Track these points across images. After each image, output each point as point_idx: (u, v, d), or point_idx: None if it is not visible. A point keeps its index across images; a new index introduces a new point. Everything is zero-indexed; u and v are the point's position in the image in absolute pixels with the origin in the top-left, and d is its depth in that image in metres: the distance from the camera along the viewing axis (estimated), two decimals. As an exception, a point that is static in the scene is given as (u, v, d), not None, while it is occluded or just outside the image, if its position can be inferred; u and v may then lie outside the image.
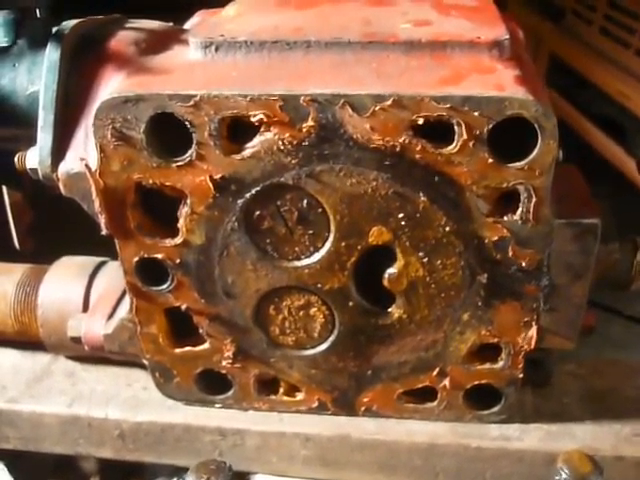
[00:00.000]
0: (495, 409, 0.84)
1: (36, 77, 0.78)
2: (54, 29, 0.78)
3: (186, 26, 0.89)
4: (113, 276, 0.91)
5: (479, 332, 0.78)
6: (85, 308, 0.90)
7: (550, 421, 0.86)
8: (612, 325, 1.01)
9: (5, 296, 0.94)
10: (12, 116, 0.80)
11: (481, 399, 0.84)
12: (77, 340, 0.87)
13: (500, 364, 0.80)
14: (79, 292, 0.91)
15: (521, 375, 0.80)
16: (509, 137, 0.67)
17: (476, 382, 0.81)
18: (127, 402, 0.91)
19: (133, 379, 0.94)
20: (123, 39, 0.78)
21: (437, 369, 0.81)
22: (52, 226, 1.12)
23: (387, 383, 0.83)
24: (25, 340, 0.96)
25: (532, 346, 0.78)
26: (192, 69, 0.73)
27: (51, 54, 0.75)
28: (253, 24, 0.79)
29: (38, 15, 0.80)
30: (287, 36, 0.74)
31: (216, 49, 0.74)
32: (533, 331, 0.77)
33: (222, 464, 0.63)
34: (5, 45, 0.80)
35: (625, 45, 2.89)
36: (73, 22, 0.78)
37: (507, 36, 0.72)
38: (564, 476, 0.64)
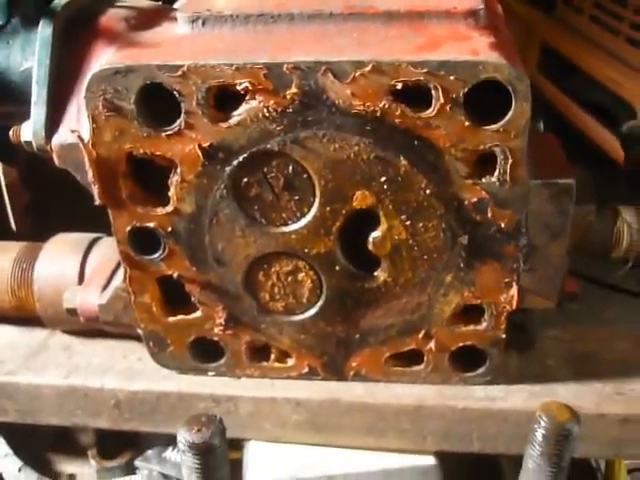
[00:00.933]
0: (480, 371, 0.86)
1: (29, 54, 0.80)
2: (46, 7, 0.80)
3: (175, 5, 0.91)
4: (107, 251, 0.93)
5: (462, 293, 0.80)
6: (80, 282, 0.93)
7: (534, 382, 0.88)
8: (594, 294, 1.04)
9: (2, 273, 0.96)
10: (7, 93, 0.83)
11: (466, 362, 0.87)
12: (73, 312, 0.90)
13: (483, 325, 0.82)
14: (74, 266, 0.94)
15: (504, 336, 0.83)
16: (486, 102, 0.70)
17: (461, 344, 0.84)
18: (123, 372, 0.93)
19: (128, 351, 0.96)
20: (113, 16, 0.81)
21: (423, 332, 0.83)
22: (47, 207, 1.15)
23: (374, 347, 0.86)
24: (22, 315, 0.98)
25: (514, 306, 0.80)
26: (180, 42, 0.76)
27: (43, 31, 0.78)
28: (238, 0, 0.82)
29: (30, -6, 0.82)
30: (271, 9, 0.77)
31: (203, 23, 0.77)
32: (514, 291, 0.79)
33: (212, 417, 0.65)
34: (0, 24, 0.82)
35: (615, 33, 2.92)
36: (64, 0, 0.80)
37: (482, 6, 0.75)
38: (543, 424, 0.66)
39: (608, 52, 3.12)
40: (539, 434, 0.67)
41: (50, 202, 1.13)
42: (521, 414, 0.85)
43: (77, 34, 0.80)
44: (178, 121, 0.73)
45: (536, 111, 0.76)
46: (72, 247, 0.96)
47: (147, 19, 0.83)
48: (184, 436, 0.65)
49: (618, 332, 0.97)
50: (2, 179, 1.07)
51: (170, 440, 0.97)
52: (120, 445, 1.03)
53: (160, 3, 0.90)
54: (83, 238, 0.97)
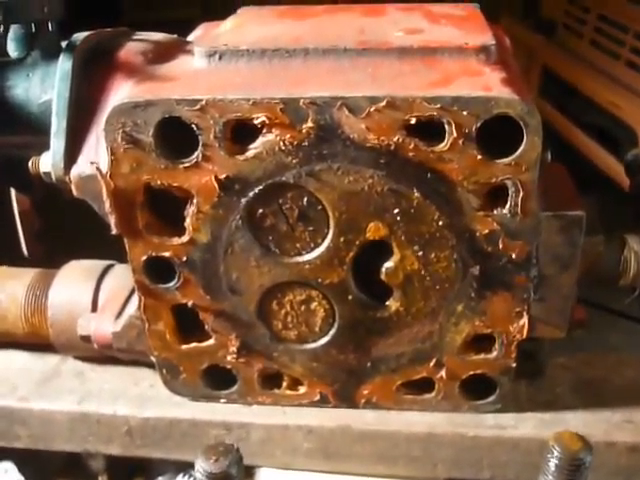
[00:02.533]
0: (490, 399, 0.87)
1: (48, 86, 0.82)
2: (66, 41, 0.82)
3: (190, 38, 0.93)
4: (121, 278, 0.94)
5: (473, 323, 0.81)
6: (94, 309, 0.94)
7: (544, 410, 0.89)
8: (603, 321, 1.05)
9: (16, 299, 0.97)
10: (25, 124, 0.84)
11: (477, 390, 0.87)
12: (87, 339, 0.90)
13: (494, 354, 0.83)
14: (88, 294, 0.95)
15: (514, 364, 0.84)
16: (498, 135, 0.72)
17: (471, 372, 0.85)
18: (135, 399, 0.94)
19: (140, 377, 0.97)
20: (131, 50, 0.83)
21: (434, 360, 0.84)
22: (59, 233, 1.16)
23: (386, 375, 0.86)
24: (35, 341, 0.99)
25: (524, 335, 0.81)
26: (197, 76, 0.78)
27: (63, 64, 0.79)
28: (254, 34, 0.84)
29: (50, 28, 0.84)
30: (287, 44, 0.79)
31: (220, 57, 0.79)
32: (524, 320, 0.80)
33: (230, 446, 0.66)
34: (20, 56, 0.84)
35: (615, 56, 2.96)
36: (84, 34, 0.82)
37: (493, 42, 0.77)
38: (556, 454, 0.67)
39: (609, 76, 3.16)
40: (552, 464, 0.68)
41: (61, 228, 1.14)
42: (531, 442, 0.86)
43: (96, 67, 0.82)
44: (195, 153, 0.74)
45: (545, 141, 0.78)
46: (85, 274, 0.97)
47: (164, 52, 0.85)
48: (202, 466, 0.66)
49: (625, 359, 0.98)
50: (15, 206, 1.09)
51: (181, 467, 0.97)
52: (130, 472, 1.03)
53: (175, 36, 0.91)
54: (96, 265, 0.98)
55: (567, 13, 3.34)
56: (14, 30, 0.86)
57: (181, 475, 0.99)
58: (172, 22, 0.96)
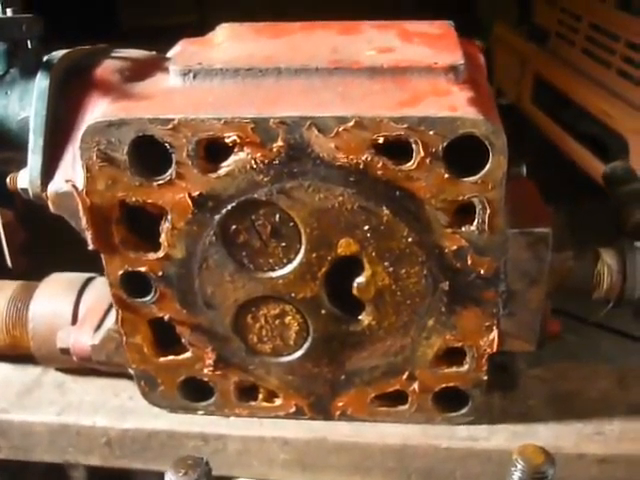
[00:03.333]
0: (463, 411, 0.88)
1: (27, 104, 0.83)
2: (44, 58, 0.83)
3: (169, 54, 0.94)
4: (100, 291, 0.95)
5: (444, 337, 0.83)
6: (74, 321, 0.95)
7: (516, 422, 0.90)
8: (579, 332, 1.06)
9: (-3, 311, 0.98)
10: (4, 140, 0.85)
11: (450, 402, 0.89)
12: (66, 351, 0.92)
13: (465, 367, 0.85)
14: (68, 306, 0.96)
15: (486, 377, 0.85)
16: (467, 153, 0.73)
17: (444, 385, 0.86)
18: (114, 411, 0.95)
19: (120, 389, 0.98)
20: (108, 67, 0.84)
21: (406, 373, 0.86)
22: (43, 245, 1.17)
23: (360, 388, 0.88)
24: (16, 353, 1.00)
25: (494, 349, 0.83)
26: (171, 95, 0.79)
27: (41, 82, 0.81)
28: (229, 52, 0.85)
29: (29, 46, 0.86)
30: (260, 64, 0.80)
31: (194, 76, 0.80)
32: (494, 335, 0.82)
33: (199, 459, 0.67)
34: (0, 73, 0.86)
35: (607, 65, 2.98)
36: (62, 52, 0.84)
37: (462, 61, 0.78)
38: (519, 467, 0.68)
39: (600, 84, 3.17)
40: (516, 477, 0.69)
41: (45, 241, 1.15)
42: (503, 454, 0.87)
43: (73, 85, 0.83)
44: (169, 171, 0.76)
45: (526, 149, 0.79)
46: (66, 287, 0.98)
47: (141, 70, 0.86)
48: (171, 478, 0.67)
49: (600, 370, 1.00)
50: (-1, 218, 1.10)
51: (160, 477, 0.98)
52: (111, 481, 1.04)
53: (154, 53, 0.93)
54: (77, 278, 1.00)
55: (560, 22, 3.36)
56: (-5, 47, 0.88)
57: (160, 486, 1.00)
58: (169, 29, 0.97)
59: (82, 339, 0.91)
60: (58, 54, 0.83)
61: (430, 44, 0.85)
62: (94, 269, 0.99)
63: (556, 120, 3.24)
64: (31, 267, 1.11)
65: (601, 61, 3.00)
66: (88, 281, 0.99)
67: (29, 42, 0.86)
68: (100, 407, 0.95)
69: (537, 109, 3.42)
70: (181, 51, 0.90)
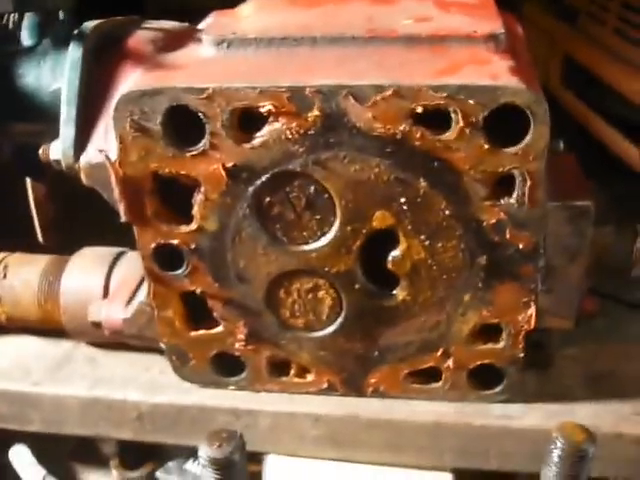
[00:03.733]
0: (498, 389, 0.87)
1: (59, 75, 0.83)
2: (76, 29, 0.82)
3: (200, 26, 0.93)
4: (132, 265, 0.95)
5: (480, 313, 0.81)
6: (105, 295, 0.95)
7: (552, 401, 0.88)
8: (614, 312, 1.04)
9: (29, 285, 0.99)
10: (37, 112, 0.85)
11: (484, 379, 0.87)
12: (97, 325, 0.92)
13: (501, 344, 0.83)
14: (99, 280, 0.96)
15: (522, 355, 0.84)
16: (506, 124, 0.71)
17: (479, 362, 0.85)
18: (145, 385, 0.95)
19: (151, 364, 0.97)
20: (140, 38, 0.83)
21: (441, 350, 0.84)
22: (74, 220, 1.17)
23: (393, 364, 0.87)
24: (48, 327, 1.00)
25: (531, 326, 0.81)
26: (205, 64, 0.78)
27: (73, 53, 0.80)
28: (263, 22, 0.84)
29: (61, 17, 0.85)
30: (294, 32, 0.79)
31: (228, 46, 0.79)
32: (532, 311, 0.80)
33: (233, 432, 0.67)
34: (31, 45, 0.85)
35: (638, 45, 2.91)
36: (94, 23, 0.83)
37: (502, 30, 0.76)
38: (559, 444, 0.67)
39: (632, 64, 3.11)
40: (555, 455, 0.68)
41: (76, 215, 1.15)
42: (538, 433, 0.85)
43: (106, 55, 0.83)
44: (203, 142, 0.75)
45: (556, 130, 0.77)
46: (97, 261, 0.98)
47: (173, 40, 0.85)
48: (205, 451, 0.66)
49: (635, 351, 0.97)
50: (30, 193, 1.10)
51: (191, 452, 0.99)
52: (142, 456, 1.04)
53: (186, 24, 0.92)
54: (108, 252, 0.99)
55: (590, 0, 3.30)
56: (28, 18, 0.87)
57: (191, 460, 1.01)
58: (196, 10, 0.97)
59: (114, 313, 0.91)
60: (90, 25, 0.83)
61: (468, 13, 0.83)
62: (126, 243, 0.99)
63: (586, 101, 3.18)
64: (62, 241, 1.11)
65: (633, 41, 2.94)
66: (119, 255, 0.98)
67: (61, 13, 0.86)
68: (131, 381, 0.95)
69: (566, 90, 3.36)
70: (213, 22, 0.89)
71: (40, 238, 1.10)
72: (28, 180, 1.06)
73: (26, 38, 0.86)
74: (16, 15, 0.85)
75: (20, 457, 1.01)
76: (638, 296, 0.96)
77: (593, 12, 3.51)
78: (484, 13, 0.83)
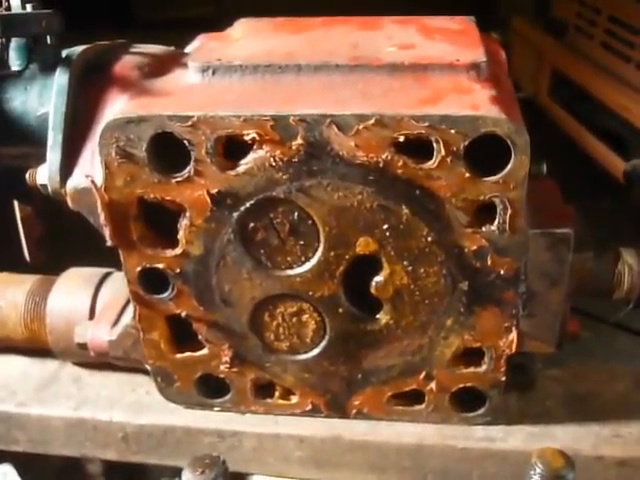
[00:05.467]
0: (480, 411, 0.88)
1: (46, 99, 0.83)
2: (63, 54, 0.83)
3: (187, 49, 0.94)
4: (118, 286, 0.95)
5: (462, 337, 0.82)
6: (91, 316, 0.95)
7: (533, 423, 0.89)
8: (598, 332, 1.05)
9: (16, 305, 0.99)
10: (23, 136, 0.86)
11: (467, 402, 0.88)
12: (83, 346, 0.92)
13: (483, 367, 0.84)
14: (86, 301, 0.96)
15: (504, 378, 0.85)
16: (487, 152, 0.72)
17: (461, 385, 0.86)
18: (131, 406, 0.95)
19: (137, 384, 0.98)
20: (127, 63, 0.84)
21: (424, 373, 0.85)
22: (61, 240, 1.17)
23: (377, 386, 0.87)
24: (34, 347, 1.00)
25: (513, 350, 0.82)
26: (191, 91, 0.79)
27: (60, 78, 0.81)
28: (249, 48, 0.85)
29: (49, 41, 0.86)
30: (280, 60, 0.80)
31: (213, 72, 0.80)
32: (513, 335, 0.81)
33: (216, 458, 0.67)
34: (18, 69, 0.86)
35: (626, 59, 2.94)
36: (81, 48, 0.83)
37: (484, 59, 0.77)
38: (538, 470, 0.68)
39: (619, 79, 3.14)
40: (535, 480, 0.69)
41: (64, 234, 1.15)
42: (520, 455, 0.86)
43: (92, 81, 0.83)
44: (188, 168, 0.75)
45: (539, 154, 0.78)
46: (84, 282, 0.98)
47: (160, 66, 0.86)
48: (188, 477, 0.67)
49: (619, 372, 0.99)
50: (18, 212, 1.10)
51: (176, 473, 0.98)
52: (127, 476, 1.05)
53: (173, 48, 0.93)
54: (95, 273, 1.00)
55: (578, 15, 3.32)
56: (15, 42, 0.88)
57: (176, 480, 1.00)
58: (186, 21, 0.97)
59: (99, 334, 0.91)
60: (77, 50, 0.83)
61: (451, 40, 0.84)
62: (112, 264, 0.99)
63: (574, 115, 3.20)
64: (49, 261, 1.11)
65: (620, 55, 2.96)
66: (106, 276, 0.99)
67: (48, 38, 0.86)
68: (117, 402, 0.96)
69: (554, 103, 3.38)
70: (200, 47, 0.90)
71: (27, 257, 1.10)
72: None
73: (13, 62, 0.86)
74: (3, 39, 0.85)
75: (6, 477, 1.01)
76: (622, 317, 0.97)
77: (581, 26, 3.54)
78: (467, 40, 0.85)
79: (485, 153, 0.72)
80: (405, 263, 0.78)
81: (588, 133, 3.05)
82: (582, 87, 3.10)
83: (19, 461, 1.03)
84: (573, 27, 3.35)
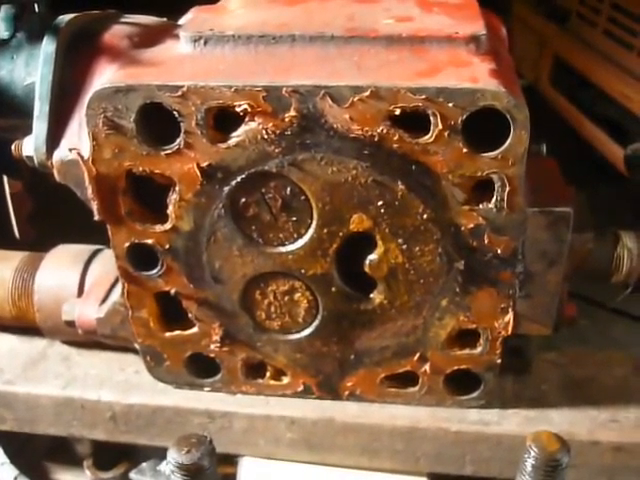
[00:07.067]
0: (475, 394, 0.86)
1: (33, 69, 0.81)
2: (51, 23, 0.81)
3: (180, 21, 0.92)
4: (107, 263, 0.94)
5: (457, 318, 0.80)
6: (80, 294, 0.93)
7: (528, 407, 0.88)
8: (595, 317, 1.03)
9: (3, 282, 0.97)
10: (10, 107, 0.83)
11: (461, 385, 0.86)
12: (71, 324, 0.90)
13: (479, 349, 0.82)
14: (74, 278, 0.94)
15: (499, 360, 0.83)
16: (485, 128, 0.70)
17: (456, 367, 0.84)
18: (119, 385, 0.93)
19: (126, 363, 0.96)
20: (117, 33, 0.81)
21: (418, 354, 0.83)
22: (51, 216, 1.16)
23: (370, 368, 0.86)
24: (22, 325, 0.99)
25: (509, 332, 0.80)
26: (181, 61, 0.76)
27: (47, 47, 0.78)
28: (242, 19, 0.83)
29: (36, 10, 0.83)
30: (273, 30, 0.77)
31: (205, 42, 0.77)
32: (510, 317, 0.79)
33: (203, 437, 0.65)
34: (4, 38, 0.83)
35: (628, 47, 2.91)
36: (69, 16, 0.81)
37: (484, 32, 0.75)
38: (533, 454, 0.66)
39: (621, 66, 3.11)
40: (529, 464, 0.67)
41: (54, 210, 1.13)
42: (514, 439, 0.85)
43: (80, 50, 0.81)
44: (177, 140, 0.73)
45: (542, 130, 0.76)
46: (73, 259, 0.96)
47: (150, 36, 0.83)
48: (174, 457, 0.65)
49: (616, 357, 0.97)
50: (7, 188, 1.08)
51: (165, 453, 0.97)
52: (116, 457, 1.03)
53: (165, 19, 0.90)
54: (84, 250, 0.98)
55: (581, 2, 3.29)
56: (3, 10, 0.85)
57: (165, 462, 0.99)
58: (174, 2, 0.95)
59: (87, 312, 0.89)
60: (65, 18, 0.81)
61: (450, 14, 0.81)
62: (102, 240, 0.97)
63: (575, 102, 3.18)
64: (38, 237, 1.09)
65: (622, 43, 2.93)
66: (95, 253, 0.97)
67: (36, 6, 0.84)
68: (105, 381, 0.94)
69: (555, 91, 3.36)
70: (193, 18, 0.87)
71: (16, 234, 1.08)
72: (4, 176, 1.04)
73: (0, 30, 0.84)
74: (-10, 7, 0.83)
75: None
76: (620, 302, 0.95)
77: (583, 13, 3.51)
78: (466, 14, 0.82)
79: (482, 132, 0.70)
80: (400, 241, 0.76)
81: (588, 120, 3.03)
82: (583, 74, 3.07)
83: (7, 441, 1.02)
84: (575, 14, 3.32)
